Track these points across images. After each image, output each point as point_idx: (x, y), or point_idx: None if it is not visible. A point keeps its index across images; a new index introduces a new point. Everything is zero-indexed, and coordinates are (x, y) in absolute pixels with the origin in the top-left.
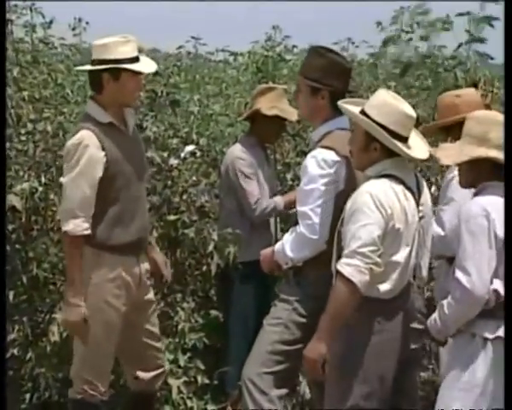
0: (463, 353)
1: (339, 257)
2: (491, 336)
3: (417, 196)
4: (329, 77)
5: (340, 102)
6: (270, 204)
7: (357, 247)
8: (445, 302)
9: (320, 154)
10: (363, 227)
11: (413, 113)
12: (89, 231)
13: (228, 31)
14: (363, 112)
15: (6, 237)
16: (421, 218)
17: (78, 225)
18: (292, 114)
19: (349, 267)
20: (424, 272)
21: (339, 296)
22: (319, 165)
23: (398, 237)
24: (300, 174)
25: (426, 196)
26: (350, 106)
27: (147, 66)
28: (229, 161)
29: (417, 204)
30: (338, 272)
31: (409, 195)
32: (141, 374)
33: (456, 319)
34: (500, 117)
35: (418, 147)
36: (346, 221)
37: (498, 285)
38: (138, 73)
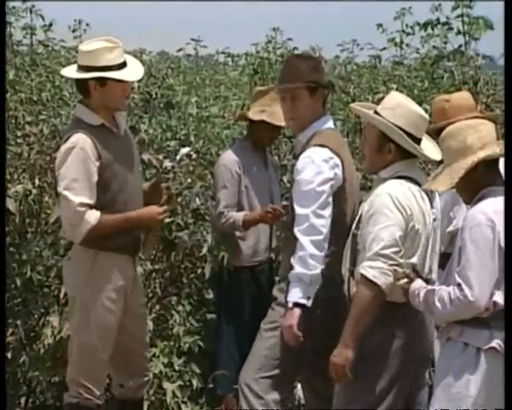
0: (456, 363)
1: (353, 260)
2: (484, 347)
3: (431, 197)
4: (322, 76)
5: (352, 105)
6: (231, 218)
7: (380, 249)
8: (438, 295)
9: (314, 153)
10: (384, 229)
11: (425, 115)
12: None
13: (231, 32)
14: (376, 114)
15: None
16: (433, 220)
17: (94, 215)
18: (281, 120)
19: (372, 270)
20: (434, 275)
21: (363, 300)
22: (315, 164)
23: (418, 237)
24: (294, 176)
25: (436, 199)
26: (365, 109)
27: (132, 73)
28: (216, 165)
29: (431, 205)
30: (361, 275)
31: (424, 196)
32: (126, 381)
33: (445, 317)
34: (471, 121)
35: (429, 148)
36: (365, 224)
37: (498, 297)
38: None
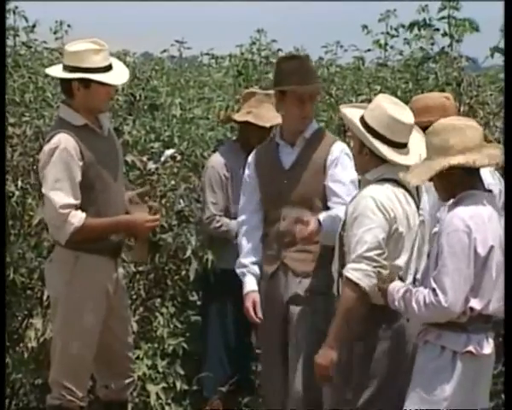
0: (432, 365)
1: (341, 261)
2: (461, 351)
3: (417, 200)
4: None
5: (342, 107)
6: (225, 225)
7: (364, 251)
8: (415, 296)
9: (345, 147)
10: (367, 231)
11: (405, 118)
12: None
13: (216, 34)
14: (362, 116)
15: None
16: (421, 222)
17: (78, 217)
18: (267, 120)
19: (356, 272)
20: (419, 276)
21: (348, 302)
22: (352, 158)
23: (401, 240)
24: (337, 167)
25: (425, 201)
26: (352, 109)
27: (117, 76)
28: (205, 168)
29: (417, 208)
30: (346, 277)
31: (410, 199)
32: (110, 383)
33: (419, 319)
34: (459, 122)
35: (416, 152)
36: (349, 226)
37: (475, 303)
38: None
